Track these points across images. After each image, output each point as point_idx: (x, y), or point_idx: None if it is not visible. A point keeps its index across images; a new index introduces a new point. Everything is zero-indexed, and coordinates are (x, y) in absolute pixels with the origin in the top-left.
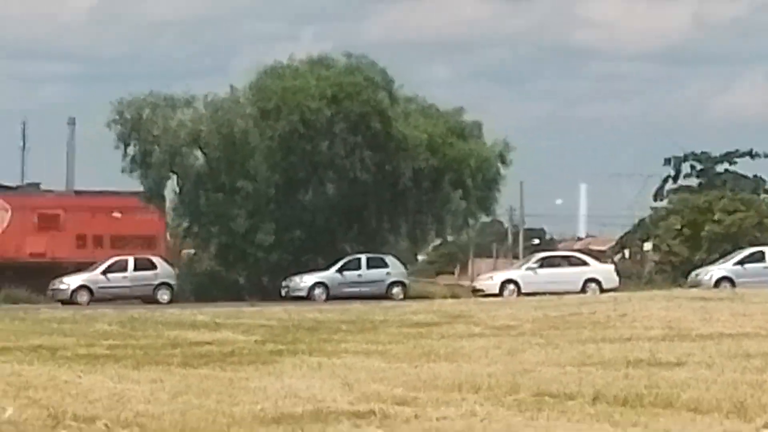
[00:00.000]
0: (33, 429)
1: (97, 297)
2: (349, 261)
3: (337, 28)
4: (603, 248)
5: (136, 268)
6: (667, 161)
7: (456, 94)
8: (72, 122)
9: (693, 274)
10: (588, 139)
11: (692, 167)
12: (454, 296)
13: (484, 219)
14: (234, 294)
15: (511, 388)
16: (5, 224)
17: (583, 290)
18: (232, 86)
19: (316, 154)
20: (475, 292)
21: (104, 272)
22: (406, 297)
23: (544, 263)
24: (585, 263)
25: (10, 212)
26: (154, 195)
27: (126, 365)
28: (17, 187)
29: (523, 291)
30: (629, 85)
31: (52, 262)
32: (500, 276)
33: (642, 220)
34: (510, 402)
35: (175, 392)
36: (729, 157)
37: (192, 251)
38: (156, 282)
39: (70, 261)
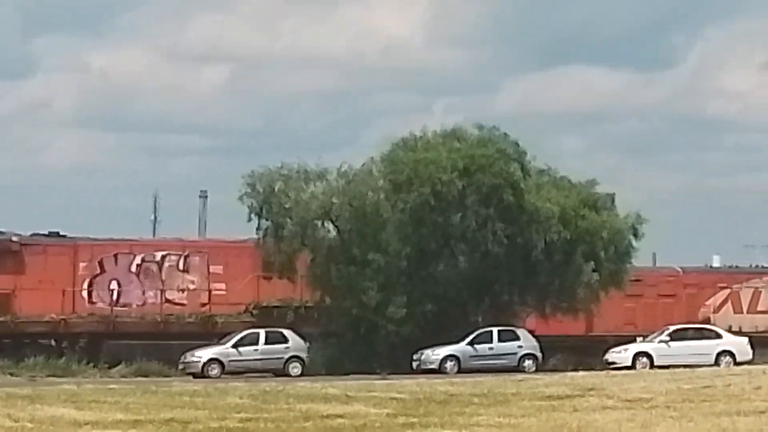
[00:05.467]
0: None
1: (228, 370)
2: (481, 334)
3: (469, 100)
4: None
5: (267, 341)
6: None
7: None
8: (204, 195)
9: None
10: (721, 211)
11: None
12: (586, 368)
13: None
14: (365, 367)
15: None
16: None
17: (717, 363)
18: (367, 159)
19: (447, 226)
20: (608, 364)
21: (235, 345)
22: (537, 370)
23: (676, 336)
24: (718, 335)
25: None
26: (285, 268)
27: None
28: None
29: (655, 363)
30: (763, 156)
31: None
32: (633, 348)
33: None
34: None
35: None
36: None
37: None
38: (287, 355)
39: None
